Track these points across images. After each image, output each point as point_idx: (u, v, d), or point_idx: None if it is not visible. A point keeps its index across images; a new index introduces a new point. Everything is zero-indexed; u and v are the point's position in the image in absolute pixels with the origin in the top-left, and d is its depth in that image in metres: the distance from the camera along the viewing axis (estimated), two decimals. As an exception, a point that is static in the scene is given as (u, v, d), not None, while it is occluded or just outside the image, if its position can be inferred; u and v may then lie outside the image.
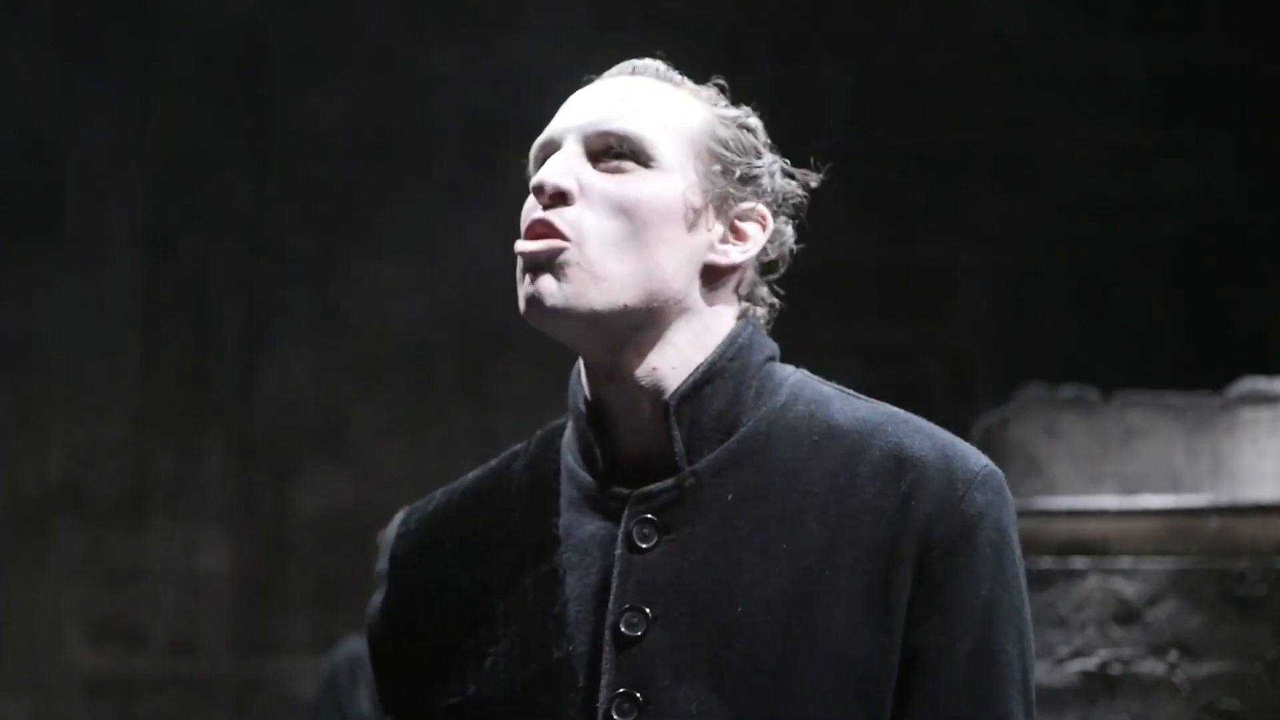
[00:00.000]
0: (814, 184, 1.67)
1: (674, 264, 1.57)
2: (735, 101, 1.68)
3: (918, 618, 1.51)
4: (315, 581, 6.69)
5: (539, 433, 1.69)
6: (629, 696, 1.52)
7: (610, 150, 1.58)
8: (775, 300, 1.67)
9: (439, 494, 1.72)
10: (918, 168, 6.54)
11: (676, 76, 1.65)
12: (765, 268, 1.66)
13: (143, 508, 6.79)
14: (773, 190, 1.64)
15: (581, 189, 1.57)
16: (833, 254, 6.26)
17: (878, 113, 6.52)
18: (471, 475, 1.71)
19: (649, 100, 1.61)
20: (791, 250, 1.66)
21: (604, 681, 1.52)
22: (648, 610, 1.53)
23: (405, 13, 6.84)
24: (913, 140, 6.56)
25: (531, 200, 1.59)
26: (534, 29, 6.57)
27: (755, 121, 1.66)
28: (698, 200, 1.58)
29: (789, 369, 1.64)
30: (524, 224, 1.59)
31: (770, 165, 1.64)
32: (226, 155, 6.87)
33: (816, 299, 6.19)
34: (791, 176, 1.67)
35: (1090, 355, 6.15)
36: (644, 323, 1.57)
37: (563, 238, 1.55)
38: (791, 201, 1.66)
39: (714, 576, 1.53)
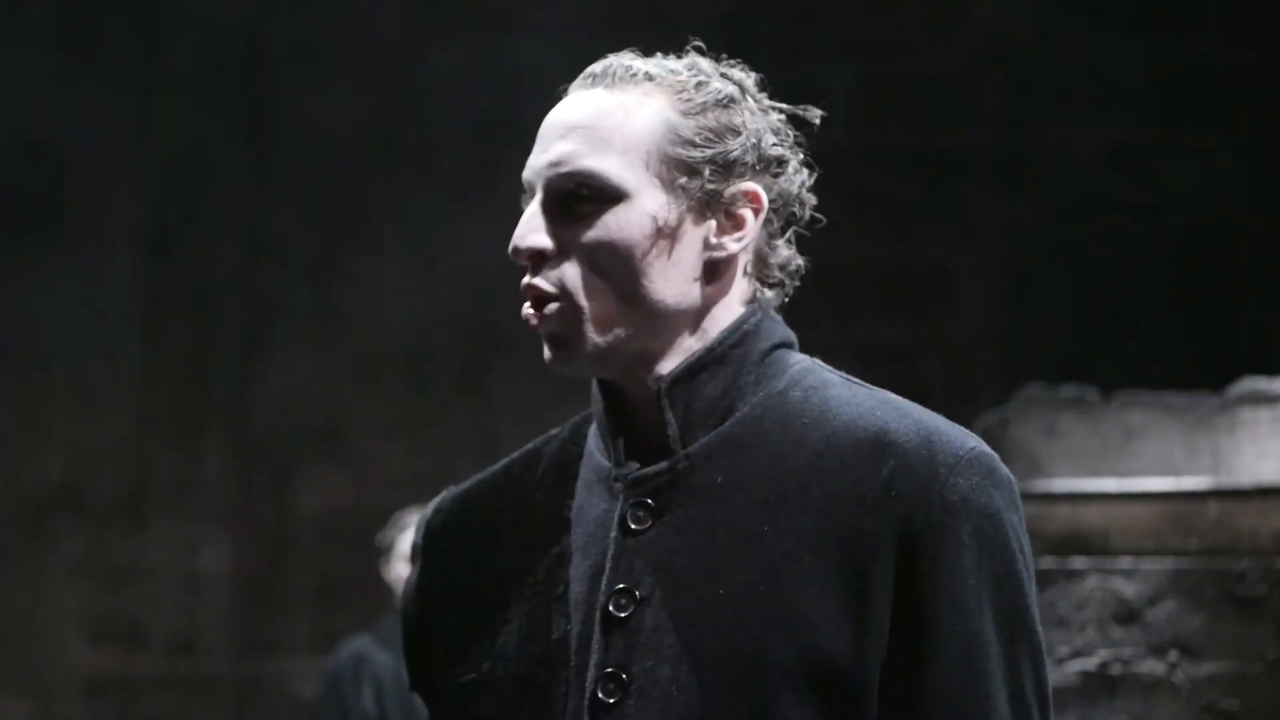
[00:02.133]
0: (816, 122, 1.66)
1: (667, 284, 1.58)
2: (721, 55, 1.65)
3: (901, 611, 1.50)
4: (315, 581, 6.69)
5: (574, 419, 1.71)
6: (615, 677, 1.53)
7: (572, 193, 1.58)
8: (800, 262, 1.66)
9: (478, 475, 1.74)
10: (918, 168, 6.54)
11: (642, 68, 1.62)
12: (787, 221, 1.64)
13: (143, 508, 6.79)
14: (761, 159, 1.61)
15: (557, 243, 1.58)
16: (833, 254, 6.25)
17: (878, 113, 6.52)
18: (508, 458, 1.73)
19: (603, 123, 1.59)
20: (801, 200, 1.64)
21: (592, 661, 1.55)
22: (636, 592, 1.55)
23: (405, 13, 6.84)
24: (913, 140, 6.56)
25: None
26: (534, 29, 6.57)
27: (730, 90, 1.62)
28: (673, 216, 1.58)
29: (799, 357, 1.64)
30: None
31: (752, 135, 1.61)
32: (226, 155, 6.88)
33: (816, 299, 6.18)
34: (790, 121, 1.65)
35: (1090, 355, 6.15)
36: (652, 340, 1.59)
37: (554, 298, 1.57)
38: (781, 162, 1.63)
39: (700, 559, 1.54)
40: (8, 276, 6.85)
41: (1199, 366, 5.31)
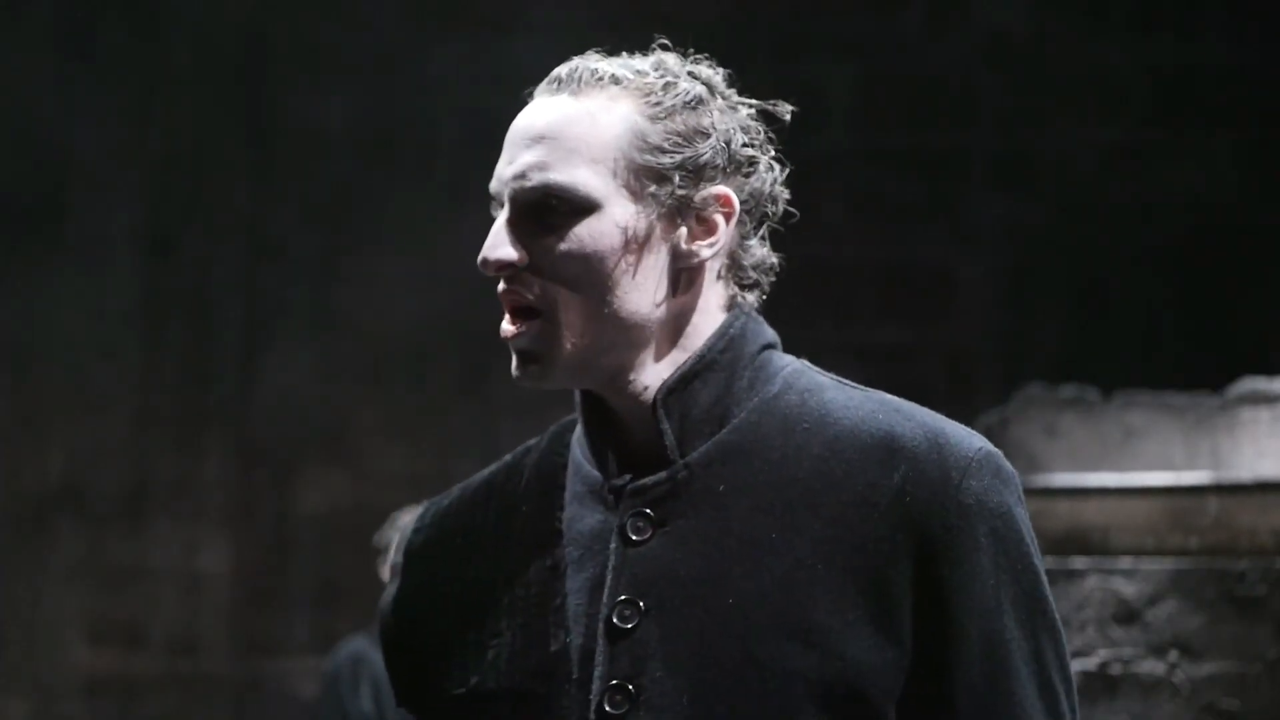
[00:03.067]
0: (786, 117, 1.63)
1: (639, 294, 1.56)
2: (686, 50, 1.63)
3: (924, 616, 1.50)
4: (315, 581, 6.69)
5: (552, 428, 1.70)
6: (621, 688, 1.52)
7: (542, 205, 1.56)
8: (774, 260, 1.63)
9: (457, 489, 1.72)
10: (918, 168, 6.54)
11: (607, 70, 1.59)
12: (760, 220, 1.62)
13: (143, 508, 6.79)
14: (731, 160, 1.59)
15: (528, 255, 1.56)
16: (833, 254, 6.26)
17: (878, 113, 6.53)
18: (488, 470, 1.72)
19: (569, 132, 1.56)
20: (774, 197, 1.62)
21: (597, 673, 1.53)
22: (640, 603, 1.53)
23: (405, 13, 6.84)
24: (913, 140, 6.56)
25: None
26: (534, 29, 6.57)
27: (698, 90, 1.59)
28: (643, 225, 1.56)
29: (787, 359, 1.63)
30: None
31: (722, 136, 1.58)
32: (226, 155, 6.87)
33: (816, 299, 6.19)
34: (762, 116, 1.62)
35: (1090, 355, 6.15)
36: (628, 352, 1.58)
37: (531, 308, 1.56)
38: (752, 162, 1.60)
39: (706, 568, 1.53)
40: (8, 276, 6.85)
41: (1199, 366, 5.31)
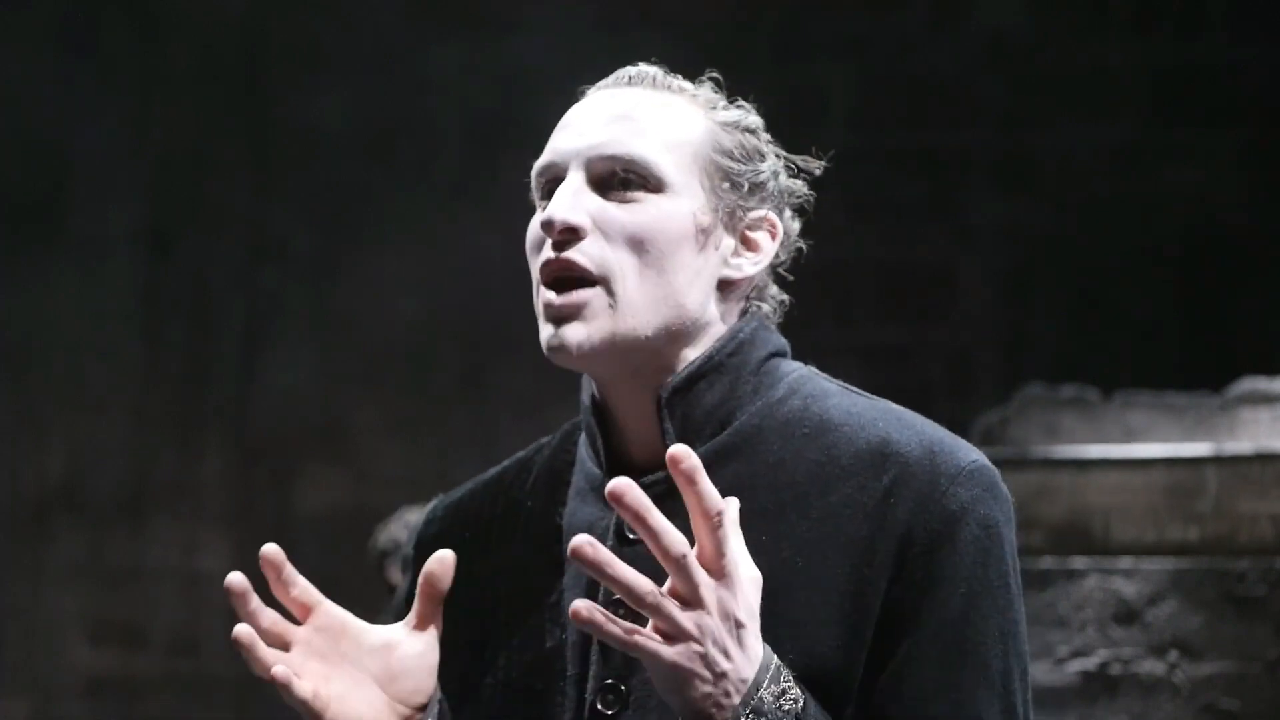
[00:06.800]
0: (817, 172, 1.66)
1: (690, 288, 1.57)
2: (733, 96, 1.66)
3: (895, 617, 1.49)
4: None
5: (564, 425, 1.70)
6: (614, 688, 1.53)
7: (616, 176, 1.56)
8: (785, 298, 1.66)
9: (469, 483, 1.73)
10: (918, 168, 6.53)
11: (674, 81, 1.63)
12: (773, 265, 1.65)
13: (143, 508, 6.79)
14: (778, 191, 1.63)
15: (594, 222, 1.55)
16: (833, 254, 6.25)
17: (878, 113, 6.52)
18: (500, 465, 1.72)
19: (650, 116, 1.58)
20: (801, 249, 1.66)
21: (591, 672, 1.54)
22: None
23: (405, 12, 6.85)
24: (913, 140, 6.56)
25: (538, 228, 1.57)
26: (534, 29, 6.57)
27: (755, 120, 1.64)
28: (707, 219, 1.58)
29: (794, 365, 1.64)
30: (536, 258, 1.57)
31: (774, 166, 1.63)
32: (226, 155, 6.88)
33: (816, 299, 6.18)
34: (795, 172, 1.66)
35: (1090, 355, 6.15)
36: (665, 344, 1.57)
37: (586, 275, 1.54)
38: (798, 199, 1.65)
39: None
40: (7, 276, 6.85)
41: (1199, 366, 5.32)
